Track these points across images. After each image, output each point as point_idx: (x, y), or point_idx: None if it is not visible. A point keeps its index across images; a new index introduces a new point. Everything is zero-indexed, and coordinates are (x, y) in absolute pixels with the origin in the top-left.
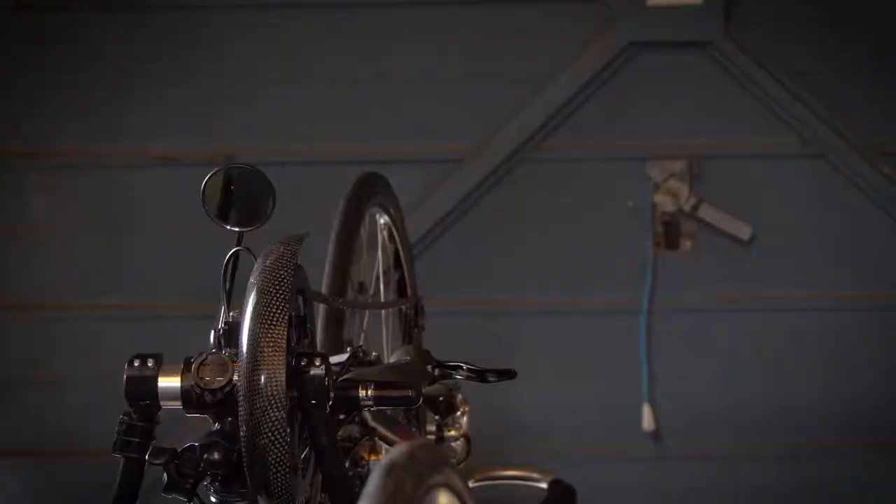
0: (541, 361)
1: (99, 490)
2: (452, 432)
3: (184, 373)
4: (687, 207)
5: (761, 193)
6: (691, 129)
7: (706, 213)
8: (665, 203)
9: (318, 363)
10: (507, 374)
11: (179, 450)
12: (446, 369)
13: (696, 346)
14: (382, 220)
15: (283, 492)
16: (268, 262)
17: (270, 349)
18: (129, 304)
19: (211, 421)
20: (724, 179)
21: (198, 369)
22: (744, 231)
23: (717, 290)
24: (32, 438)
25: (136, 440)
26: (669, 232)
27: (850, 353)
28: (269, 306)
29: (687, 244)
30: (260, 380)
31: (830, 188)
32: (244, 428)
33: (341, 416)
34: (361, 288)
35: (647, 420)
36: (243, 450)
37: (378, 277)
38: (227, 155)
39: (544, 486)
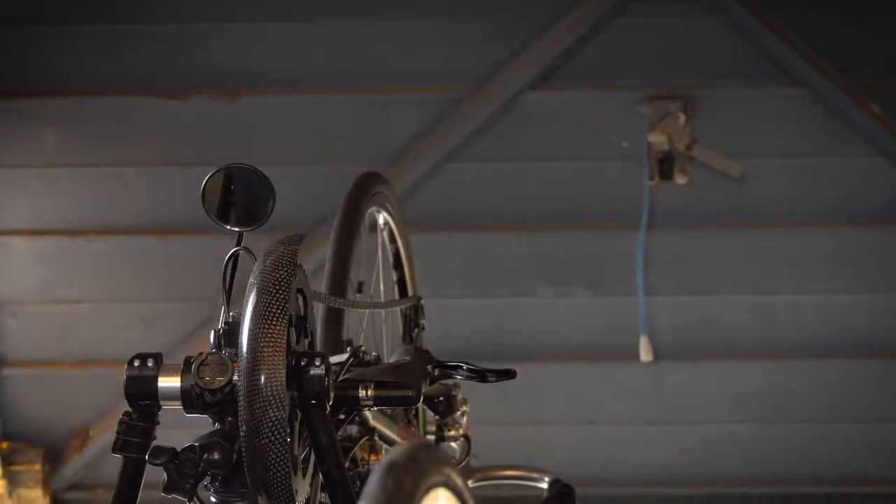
0: (538, 282)
1: None
2: (452, 432)
3: (184, 373)
4: (681, 147)
5: (753, 132)
6: (685, 71)
7: (700, 152)
8: (660, 143)
9: (318, 363)
10: (507, 374)
11: (179, 450)
12: (446, 369)
13: (691, 272)
14: (382, 219)
15: (283, 492)
16: (268, 262)
17: (270, 349)
18: (135, 231)
19: (211, 421)
20: (717, 119)
21: (198, 369)
22: (736, 168)
23: (710, 218)
24: None
25: (136, 440)
26: (664, 167)
27: (842, 272)
28: (269, 306)
29: (682, 178)
30: (260, 380)
31: (821, 126)
32: (244, 428)
33: (341, 416)
34: (361, 288)
35: (644, 352)
36: (243, 450)
37: (378, 277)
38: (232, 93)
39: (544, 485)
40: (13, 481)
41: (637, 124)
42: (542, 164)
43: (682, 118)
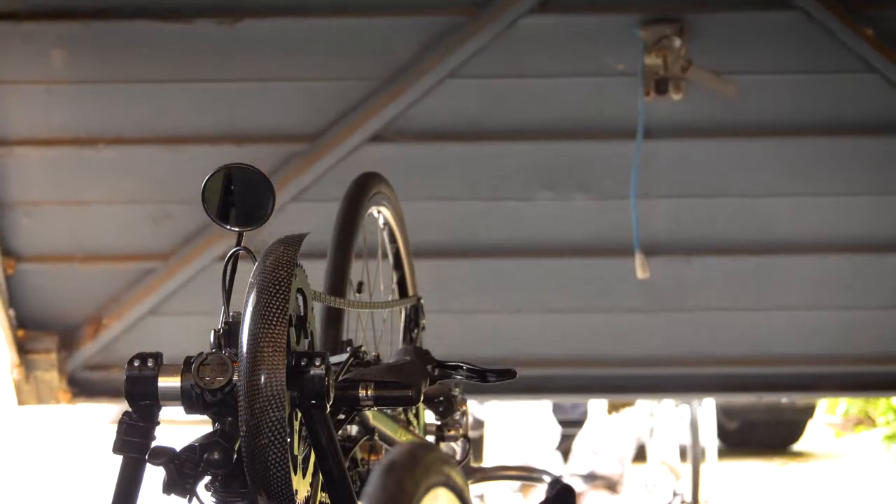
0: (535, 187)
1: None
2: (452, 432)
3: (184, 373)
4: (676, 69)
5: (747, 54)
6: None
7: (694, 74)
8: (655, 65)
9: (318, 363)
10: (507, 374)
11: (179, 450)
12: (446, 369)
13: (686, 178)
14: (382, 219)
15: (283, 492)
16: (268, 262)
17: (270, 349)
18: (142, 140)
19: (211, 421)
20: (712, 42)
21: (198, 369)
22: (730, 89)
23: (704, 129)
24: None
25: (136, 440)
26: (660, 85)
27: (834, 176)
28: (269, 306)
29: (677, 94)
30: (260, 380)
31: (814, 48)
32: (244, 428)
33: (341, 416)
34: (361, 288)
35: (640, 269)
36: (243, 450)
37: (378, 277)
38: (235, 16)
39: (544, 485)
40: (29, 367)
41: (634, 47)
42: (539, 80)
43: (677, 41)
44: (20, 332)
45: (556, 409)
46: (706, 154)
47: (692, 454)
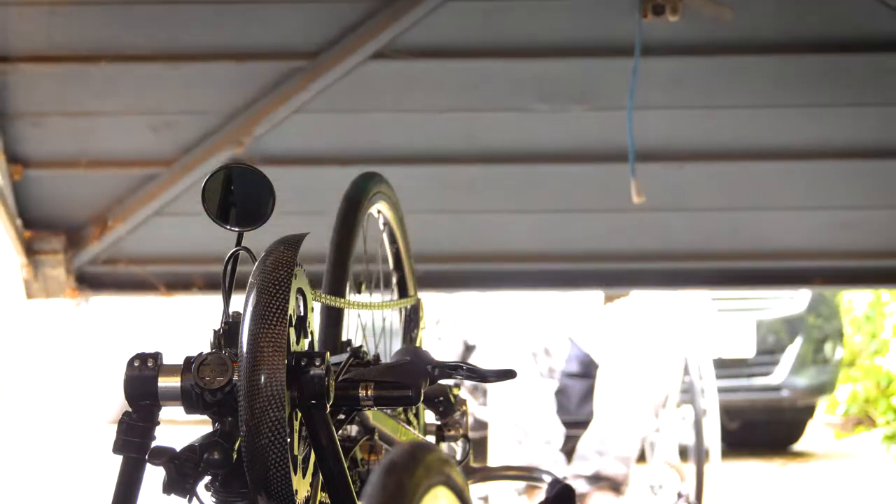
0: (532, 99)
1: None
2: (452, 432)
3: (184, 373)
4: None
5: None
6: None
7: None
8: None
9: (318, 363)
10: (507, 375)
11: (179, 450)
12: (446, 369)
13: (681, 92)
14: (382, 219)
15: (283, 492)
16: (268, 262)
17: (270, 349)
18: (144, 57)
19: (211, 421)
20: None
21: (198, 369)
22: (726, 13)
23: (700, 48)
24: None
25: (136, 440)
26: (657, 7)
27: (823, 93)
28: (269, 306)
29: (673, 16)
30: (260, 380)
31: None
32: (244, 428)
33: (341, 416)
34: (360, 288)
35: (635, 195)
36: (243, 450)
37: (378, 277)
38: None
39: (543, 485)
40: (37, 266)
41: None
42: (538, 1)
43: None
44: (28, 234)
45: (560, 410)
46: (700, 70)
47: (695, 455)
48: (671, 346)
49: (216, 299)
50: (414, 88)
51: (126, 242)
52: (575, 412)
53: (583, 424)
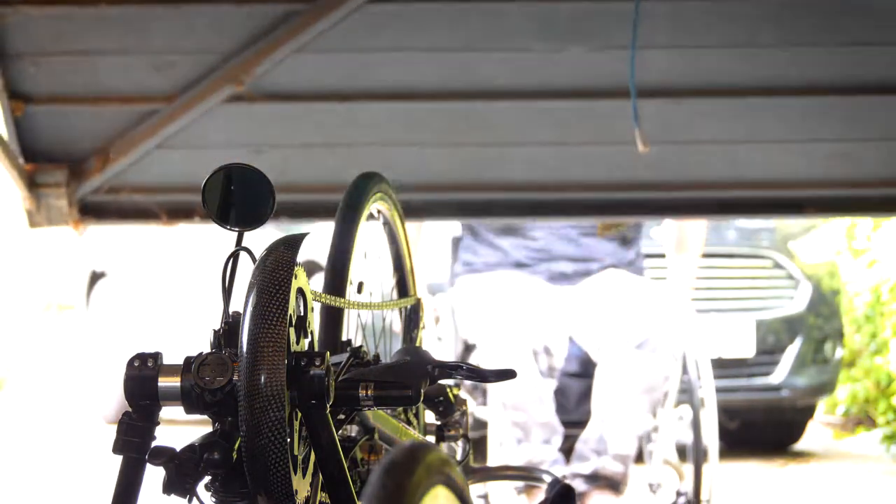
0: (530, 39)
1: None
2: (452, 432)
3: (184, 373)
4: None
5: None
6: None
7: None
8: None
9: (318, 363)
10: (507, 375)
11: (179, 450)
12: (446, 369)
13: (681, 34)
14: (382, 219)
15: (283, 492)
16: (268, 262)
17: (270, 349)
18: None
19: (211, 421)
20: None
21: (198, 369)
22: None
23: None
24: None
25: (136, 440)
26: None
27: (820, 31)
28: (269, 306)
29: None
30: (260, 380)
31: None
32: (244, 428)
33: (341, 416)
34: (361, 288)
35: (640, 143)
36: (243, 450)
37: (378, 277)
38: None
39: (543, 485)
40: (40, 198)
41: None
42: None
43: None
44: (30, 166)
45: (559, 410)
46: (698, 10)
47: (694, 454)
48: (670, 344)
49: (216, 230)
50: (412, 29)
51: (128, 174)
52: (574, 411)
53: (581, 424)
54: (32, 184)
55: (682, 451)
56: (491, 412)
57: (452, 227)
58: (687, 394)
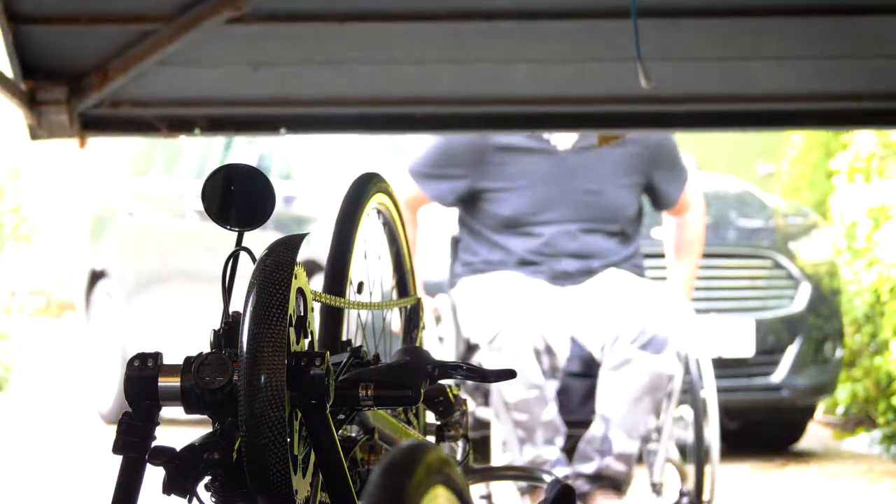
0: None
1: None
2: (452, 432)
3: (184, 373)
4: None
5: None
6: None
7: None
8: None
9: (318, 363)
10: (507, 375)
11: (179, 450)
12: (446, 369)
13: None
14: (383, 219)
15: (283, 492)
16: (268, 262)
17: (270, 349)
18: None
19: (211, 421)
20: None
21: (198, 369)
22: None
23: None
24: None
25: (136, 440)
26: None
27: None
28: (269, 306)
29: None
30: (260, 380)
31: None
32: (244, 428)
33: (341, 416)
34: (361, 288)
35: (643, 80)
36: (243, 450)
37: (378, 277)
38: None
39: (543, 485)
40: (41, 114)
41: None
42: None
43: None
44: (29, 84)
45: (562, 410)
46: None
47: (696, 454)
48: (672, 345)
49: (217, 141)
50: None
51: (128, 90)
52: (577, 411)
53: (584, 424)
54: (33, 101)
55: (683, 451)
56: (493, 412)
57: (451, 227)
58: (689, 394)
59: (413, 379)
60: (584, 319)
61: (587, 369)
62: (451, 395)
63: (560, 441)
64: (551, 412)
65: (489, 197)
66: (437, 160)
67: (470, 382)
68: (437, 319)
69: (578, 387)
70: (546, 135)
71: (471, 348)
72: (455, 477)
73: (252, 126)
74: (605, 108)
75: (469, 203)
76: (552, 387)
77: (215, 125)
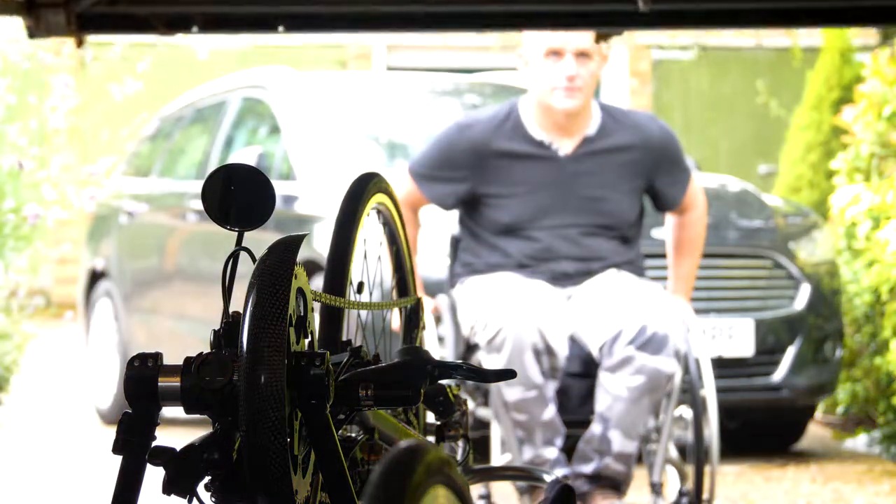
0: None
1: None
2: (452, 432)
3: (184, 373)
4: None
5: None
6: None
7: None
8: None
9: (318, 363)
10: (507, 375)
11: (179, 450)
12: (446, 369)
13: None
14: (382, 219)
15: (283, 492)
16: (268, 262)
17: (270, 349)
18: None
19: (211, 421)
20: None
21: (198, 369)
22: None
23: None
24: None
25: (136, 440)
26: None
27: None
28: (269, 306)
29: None
30: (260, 380)
31: None
32: (244, 428)
33: (341, 416)
34: (360, 288)
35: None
36: (243, 450)
37: (378, 277)
38: None
39: (543, 485)
40: (40, 18)
41: None
42: None
43: None
44: None
45: (561, 410)
46: None
47: (695, 454)
48: (672, 344)
49: (216, 39)
50: None
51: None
52: (576, 411)
53: (584, 424)
54: (31, 4)
55: (683, 451)
56: (493, 412)
57: (451, 226)
58: (688, 394)
59: (413, 379)
60: (583, 319)
61: (586, 369)
62: (451, 395)
63: (559, 441)
64: (550, 412)
65: (489, 202)
66: (438, 162)
67: (470, 382)
68: (438, 319)
69: (578, 387)
70: (547, 141)
71: (470, 348)
72: (455, 477)
73: (250, 24)
74: (597, 7)
75: (469, 206)
76: (551, 387)
77: (212, 23)
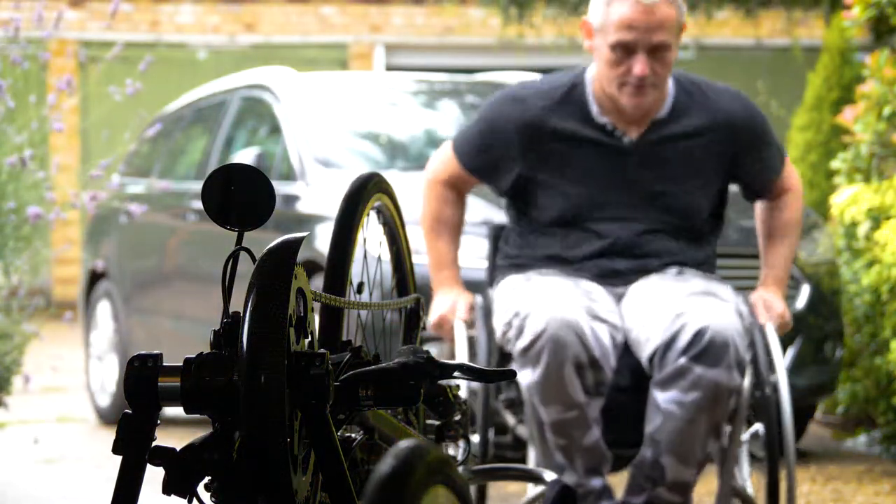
0: None
1: None
2: (452, 432)
3: (184, 373)
4: None
5: None
6: None
7: None
8: None
9: (318, 363)
10: (507, 375)
11: (179, 450)
12: (446, 369)
13: None
14: (382, 219)
15: (283, 492)
16: (268, 262)
17: (270, 349)
18: None
19: (211, 421)
20: None
21: (198, 369)
22: None
23: None
24: None
25: (136, 440)
26: None
27: None
28: (269, 306)
29: None
30: (260, 380)
31: None
32: (244, 428)
33: (341, 416)
34: (361, 288)
35: None
36: (243, 450)
37: (378, 277)
38: None
39: (543, 485)
40: None
41: None
42: None
43: None
44: None
45: (610, 431)
46: None
47: (768, 480)
48: (735, 354)
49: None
50: None
51: None
52: (625, 432)
53: (634, 446)
54: None
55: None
56: (528, 433)
57: (491, 215)
58: (762, 413)
59: (413, 379)
60: (633, 323)
61: (638, 382)
62: (451, 395)
63: (605, 468)
64: (594, 436)
65: (537, 189)
66: (484, 136)
67: (503, 397)
68: (471, 323)
69: (627, 403)
70: (610, 125)
71: (505, 357)
72: (455, 477)
73: None
74: None
75: (516, 191)
76: (595, 406)
77: None
